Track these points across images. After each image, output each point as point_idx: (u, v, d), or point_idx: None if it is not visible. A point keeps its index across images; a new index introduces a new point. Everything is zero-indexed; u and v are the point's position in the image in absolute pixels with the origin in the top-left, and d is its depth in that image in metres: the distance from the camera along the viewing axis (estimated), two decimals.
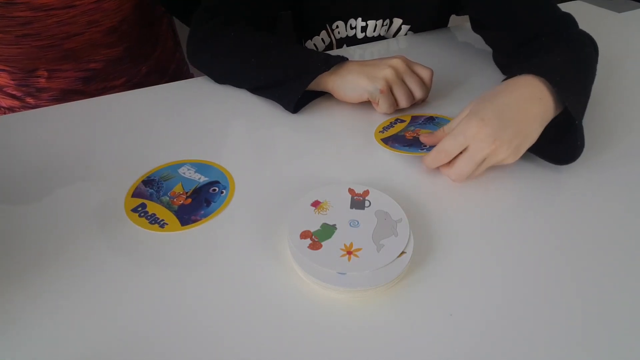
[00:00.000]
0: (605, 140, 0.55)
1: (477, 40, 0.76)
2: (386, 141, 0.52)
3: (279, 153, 0.53)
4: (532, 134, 0.46)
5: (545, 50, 0.56)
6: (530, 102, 0.46)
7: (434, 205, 0.45)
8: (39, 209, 0.44)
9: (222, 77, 0.65)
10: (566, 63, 0.51)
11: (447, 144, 0.45)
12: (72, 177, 0.48)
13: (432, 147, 0.48)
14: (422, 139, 0.49)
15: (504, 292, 0.37)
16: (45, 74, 0.72)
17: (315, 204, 0.42)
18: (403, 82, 0.57)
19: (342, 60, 0.57)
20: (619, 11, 0.95)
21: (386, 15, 0.75)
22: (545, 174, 0.49)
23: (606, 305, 0.36)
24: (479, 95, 0.48)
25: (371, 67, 0.57)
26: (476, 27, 0.74)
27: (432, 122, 0.56)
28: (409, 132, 0.53)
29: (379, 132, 0.54)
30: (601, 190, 0.48)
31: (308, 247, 0.38)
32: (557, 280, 0.38)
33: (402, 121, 0.56)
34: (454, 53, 0.72)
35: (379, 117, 0.58)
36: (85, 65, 0.75)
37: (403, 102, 0.57)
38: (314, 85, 0.58)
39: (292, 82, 0.57)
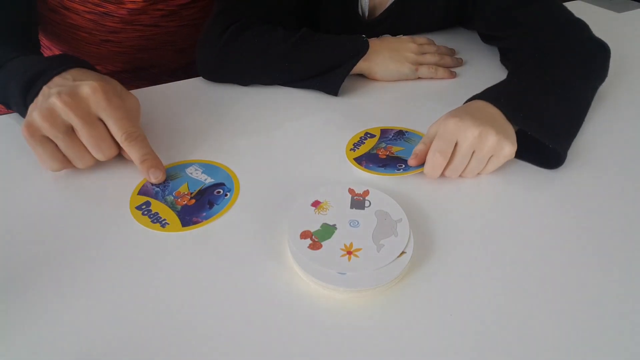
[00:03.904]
0: (605, 140, 0.55)
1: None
2: (359, 160, 0.51)
3: (282, 155, 0.53)
4: (506, 124, 0.48)
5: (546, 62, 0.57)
6: (488, 107, 0.49)
7: (434, 205, 0.46)
8: (43, 203, 0.45)
9: (253, 79, 0.66)
10: (557, 109, 0.52)
11: (437, 145, 0.47)
12: (80, 171, 0.48)
13: (408, 167, 0.49)
14: (410, 162, 0.49)
15: (505, 292, 0.38)
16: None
17: (315, 204, 0.43)
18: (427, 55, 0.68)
19: (367, 44, 0.63)
20: (619, 11, 0.95)
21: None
22: (546, 175, 0.50)
23: (607, 305, 0.37)
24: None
25: (396, 50, 0.66)
26: (486, 38, 0.75)
27: (403, 137, 0.55)
28: (381, 150, 0.52)
29: (350, 150, 0.53)
30: (603, 190, 0.48)
31: (308, 247, 0.38)
32: (558, 280, 0.39)
33: (373, 136, 0.55)
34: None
35: (349, 132, 0.56)
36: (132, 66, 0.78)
37: (438, 70, 0.68)
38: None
39: (332, 71, 0.62)
